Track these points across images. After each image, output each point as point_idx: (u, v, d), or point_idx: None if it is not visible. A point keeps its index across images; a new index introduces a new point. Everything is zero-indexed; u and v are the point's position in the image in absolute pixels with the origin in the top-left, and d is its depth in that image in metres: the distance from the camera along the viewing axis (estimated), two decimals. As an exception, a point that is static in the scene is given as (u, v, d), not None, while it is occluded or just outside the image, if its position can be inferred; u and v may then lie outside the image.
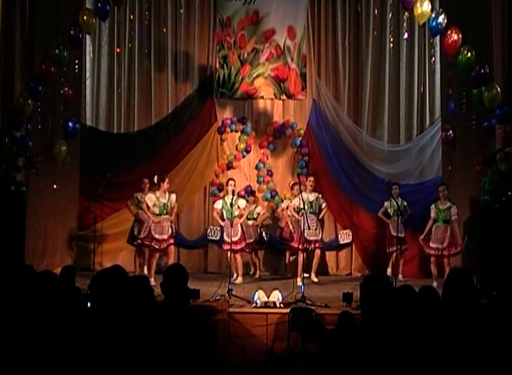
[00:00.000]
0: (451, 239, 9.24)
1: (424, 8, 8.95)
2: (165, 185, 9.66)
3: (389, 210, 10.12)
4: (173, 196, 9.76)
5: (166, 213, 9.62)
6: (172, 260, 9.74)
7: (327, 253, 11.32)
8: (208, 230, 11.04)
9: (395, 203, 9.55)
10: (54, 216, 9.99)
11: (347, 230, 10.97)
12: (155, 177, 9.76)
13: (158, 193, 9.63)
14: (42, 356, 3.25)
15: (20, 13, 9.30)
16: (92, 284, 3.27)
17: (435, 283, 8.32)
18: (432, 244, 9.33)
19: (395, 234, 9.67)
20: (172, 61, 11.62)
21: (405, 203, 9.98)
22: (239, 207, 9.79)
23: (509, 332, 3.41)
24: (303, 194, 9.39)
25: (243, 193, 11.32)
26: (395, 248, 9.68)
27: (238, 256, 9.81)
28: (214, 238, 11.00)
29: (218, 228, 10.92)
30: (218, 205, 9.92)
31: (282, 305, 7.63)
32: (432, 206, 9.42)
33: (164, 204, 9.60)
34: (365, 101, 11.49)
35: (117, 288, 3.26)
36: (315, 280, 9.92)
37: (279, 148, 11.67)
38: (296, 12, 11.54)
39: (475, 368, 3.22)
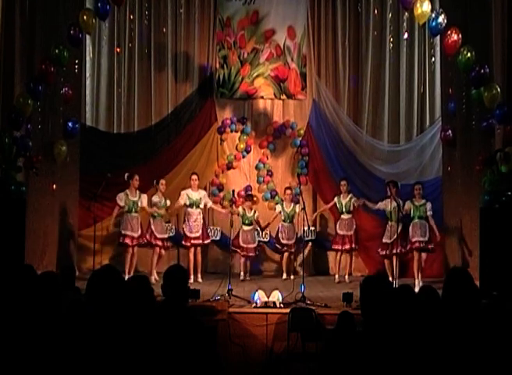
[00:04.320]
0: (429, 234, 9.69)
1: (424, 8, 8.95)
2: (135, 182, 9.84)
3: (337, 205, 10.44)
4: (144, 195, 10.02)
5: (135, 211, 9.83)
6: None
7: (327, 253, 11.32)
8: (208, 230, 11.03)
9: (342, 201, 10.32)
10: (54, 216, 9.98)
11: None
12: (126, 175, 9.90)
13: (128, 191, 9.84)
14: (42, 356, 3.25)
15: (20, 13, 9.29)
16: (87, 286, 3.30)
17: (417, 281, 9.33)
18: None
19: (341, 232, 10.35)
20: (172, 61, 11.61)
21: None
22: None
23: (509, 332, 3.41)
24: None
25: (242, 193, 11.32)
26: (341, 247, 10.33)
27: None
28: (214, 238, 11.00)
29: (219, 228, 10.94)
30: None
31: (282, 305, 7.63)
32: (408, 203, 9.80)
33: (133, 202, 9.81)
34: (365, 101, 11.49)
35: (111, 287, 3.28)
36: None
37: (279, 148, 11.68)
38: (296, 12, 11.55)
39: (475, 368, 3.22)
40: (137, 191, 9.88)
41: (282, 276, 10.50)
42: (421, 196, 9.78)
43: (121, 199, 9.77)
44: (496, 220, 8.19)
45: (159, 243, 9.99)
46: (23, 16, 9.32)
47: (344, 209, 10.34)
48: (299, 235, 10.35)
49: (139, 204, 9.82)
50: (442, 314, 3.46)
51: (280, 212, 10.54)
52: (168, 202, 10.13)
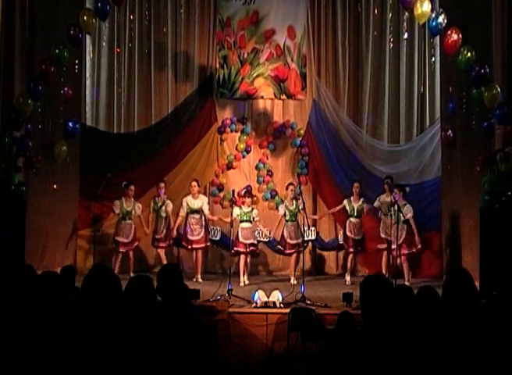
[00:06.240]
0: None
1: (424, 8, 8.96)
2: (130, 192, 10.08)
3: (347, 208, 10.26)
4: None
5: (129, 218, 10.15)
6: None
7: (327, 253, 11.34)
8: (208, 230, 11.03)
9: (353, 204, 10.17)
10: (54, 216, 9.98)
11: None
12: (124, 183, 10.12)
13: (124, 199, 10.10)
14: (42, 356, 3.25)
15: (20, 13, 9.30)
16: (82, 288, 3.31)
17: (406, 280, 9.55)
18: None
19: (350, 235, 10.21)
20: (172, 61, 11.60)
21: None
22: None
23: (509, 332, 3.41)
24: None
25: (242, 193, 11.29)
26: (352, 250, 10.25)
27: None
28: (214, 238, 11.01)
29: (218, 228, 10.94)
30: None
31: (282, 305, 7.64)
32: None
33: (127, 211, 10.11)
34: (365, 101, 11.49)
35: (104, 286, 3.28)
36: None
37: (279, 148, 11.67)
38: (296, 12, 11.54)
39: (475, 368, 3.23)
40: (132, 200, 10.15)
41: (290, 280, 9.88)
42: (403, 198, 9.58)
43: (117, 207, 10.11)
44: (496, 220, 8.20)
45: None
46: (23, 16, 9.32)
47: (355, 213, 10.18)
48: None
49: (133, 212, 10.13)
50: (442, 314, 3.46)
51: (285, 214, 10.03)
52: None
